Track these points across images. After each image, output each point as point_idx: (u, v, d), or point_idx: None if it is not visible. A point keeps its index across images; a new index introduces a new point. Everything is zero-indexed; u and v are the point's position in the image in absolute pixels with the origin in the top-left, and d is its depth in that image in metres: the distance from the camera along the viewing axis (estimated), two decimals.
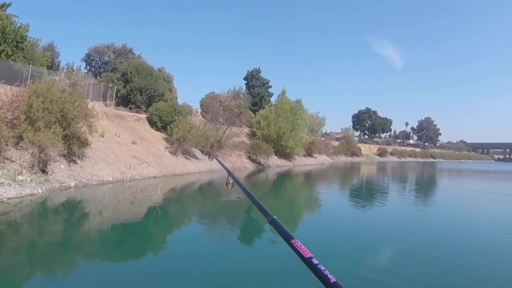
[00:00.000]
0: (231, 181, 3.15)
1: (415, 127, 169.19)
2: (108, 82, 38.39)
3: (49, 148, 16.50)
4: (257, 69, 73.03)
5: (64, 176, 17.91)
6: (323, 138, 79.82)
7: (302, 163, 54.79)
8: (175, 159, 29.82)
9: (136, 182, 21.90)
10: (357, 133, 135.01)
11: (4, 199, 13.39)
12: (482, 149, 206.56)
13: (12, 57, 27.18)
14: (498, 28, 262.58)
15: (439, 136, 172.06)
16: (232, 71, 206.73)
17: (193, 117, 40.64)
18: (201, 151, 34.28)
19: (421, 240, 11.70)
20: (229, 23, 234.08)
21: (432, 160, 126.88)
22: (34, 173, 16.24)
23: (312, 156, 61.69)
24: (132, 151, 25.86)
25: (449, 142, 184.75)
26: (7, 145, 16.30)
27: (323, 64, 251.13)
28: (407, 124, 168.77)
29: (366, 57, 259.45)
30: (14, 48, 27.50)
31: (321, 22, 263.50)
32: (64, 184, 17.25)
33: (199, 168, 31.62)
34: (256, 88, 70.39)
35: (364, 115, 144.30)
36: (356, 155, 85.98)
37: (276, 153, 48.89)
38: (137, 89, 38.19)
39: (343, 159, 77.63)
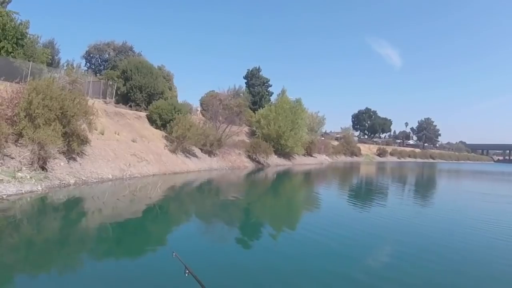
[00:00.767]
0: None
1: (414, 128, 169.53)
2: (108, 80, 38.34)
3: (49, 145, 16.48)
4: (257, 68, 73.05)
5: (63, 173, 17.90)
6: (323, 138, 79.89)
7: (301, 162, 54.80)
8: (174, 158, 29.80)
9: (136, 180, 21.90)
10: (356, 133, 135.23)
11: (4, 196, 13.37)
12: (481, 150, 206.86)
13: (12, 54, 27.19)
14: (495, 28, 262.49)
15: (439, 137, 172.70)
16: (232, 70, 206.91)
17: (193, 115, 40.71)
18: (201, 149, 34.27)
19: (414, 241, 11.70)
20: (230, 22, 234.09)
21: (431, 160, 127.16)
22: (34, 170, 16.23)
23: (311, 156, 61.75)
24: (131, 149, 25.84)
25: (448, 143, 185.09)
26: (6, 142, 16.29)
27: (323, 64, 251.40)
28: (406, 124, 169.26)
29: (366, 57, 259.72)
30: (14, 45, 27.50)
31: (321, 22, 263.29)
32: (63, 182, 17.24)
33: (198, 166, 31.62)
34: (256, 87, 70.39)
35: (364, 115, 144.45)
36: (356, 155, 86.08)
37: (276, 152, 48.90)
38: (137, 87, 38.14)
39: (342, 158, 77.71)
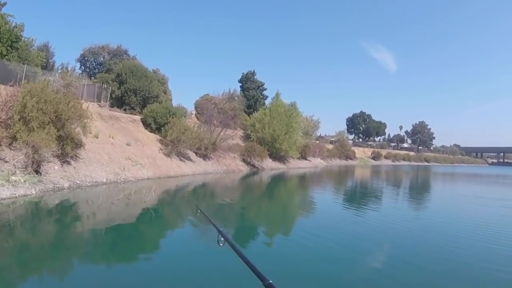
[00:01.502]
0: (222, 239, 2.88)
1: (409, 131, 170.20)
2: (102, 83, 38.30)
3: (43, 148, 16.44)
4: (252, 71, 73.07)
5: (57, 177, 17.85)
6: (318, 141, 79.99)
7: (296, 166, 54.87)
8: (169, 161, 29.76)
9: (130, 184, 21.86)
10: (351, 137, 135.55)
11: None
12: (476, 153, 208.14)
13: (6, 56, 27.10)
14: (490, 33, 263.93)
15: (433, 140, 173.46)
16: (227, 74, 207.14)
17: (187, 119, 40.69)
18: (196, 153, 34.26)
19: (407, 245, 11.74)
20: (225, 25, 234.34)
21: (426, 164, 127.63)
22: (28, 173, 16.18)
23: (306, 159, 61.86)
24: (126, 153, 25.80)
25: (443, 146, 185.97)
26: (0, 145, 16.30)
27: (319, 67, 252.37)
28: (401, 128, 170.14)
29: (361, 61, 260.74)
30: (8, 48, 27.42)
31: (316, 26, 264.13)
32: (57, 185, 17.19)
33: (193, 170, 31.59)
34: (251, 90, 70.40)
35: (358, 118, 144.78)
36: (350, 158, 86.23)
37: (271, 156, 48.87)
38: (131, 90, 38.11)
39: (337, 162, 77.84)
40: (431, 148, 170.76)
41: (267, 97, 71.93)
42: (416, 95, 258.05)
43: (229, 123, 42.78)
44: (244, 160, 42.81)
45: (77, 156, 20.64)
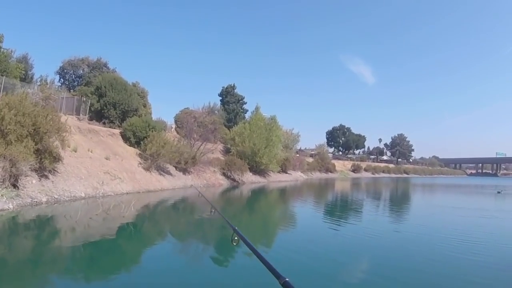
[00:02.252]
0: (236, 238, 2.86)
1: (388, 144, 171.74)
2: (81, 96, 38.01)
3: (21, 162, 16.24)
4: (232, 85, 73.36)
5: (35, 191, 17.62)
6: (298, 155, 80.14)
7: (276, 179, 54.90)
8: (148, 175, 29.57)
9: (109, 199, 21.66)
10: (331, 150, 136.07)
11: None
12: (454, 164, 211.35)
13: None
14: (465, 45, 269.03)
15: (412, 152, 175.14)
16: (207, 87, 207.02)
17: (167, 132, 40.57)
18: (175, 167, 34.11)
19: (383, 257, 11.79)
20: (205, 39, 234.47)
21: (405, 175, 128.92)
22: (5, 187, 15.94)
23: (286, 173, 61.96)
24: (105, 167, 25.58)
25: (422, 158, 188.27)
26: None
27: (298, 81, 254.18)
28: (380, 140, 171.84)
29: (339, 74, 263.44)
30: None
31: (294, 40, 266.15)
32: (35, 200, 16.98)
33: (173, 184, 31.44)
34: (231, 104, 70.60)
35: (338, 131, 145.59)
36: (331, 171, 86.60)
37: (251, 170, 48.86)
38: (111, 103, 37.85)
39: (317, 175, 78.09)
40: (410, 160, 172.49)
41: (247, 110, 72.31)
42: (394, 107, 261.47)
43: (209, 137, 42.68)
44: (224, 174, 42.74)
45: (55, 170, 20.41)
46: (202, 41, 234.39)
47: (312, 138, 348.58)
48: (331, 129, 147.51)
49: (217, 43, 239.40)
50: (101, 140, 30.64)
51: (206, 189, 34.17)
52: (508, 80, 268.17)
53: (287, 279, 1.59)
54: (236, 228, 2.97)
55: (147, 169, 30.18)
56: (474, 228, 18.66)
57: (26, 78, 34.86)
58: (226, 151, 51.69)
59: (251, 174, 48.80)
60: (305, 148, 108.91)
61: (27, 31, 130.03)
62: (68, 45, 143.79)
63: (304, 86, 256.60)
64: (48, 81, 41.44)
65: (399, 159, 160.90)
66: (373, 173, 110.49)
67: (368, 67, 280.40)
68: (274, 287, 1.99)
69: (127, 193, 24.45)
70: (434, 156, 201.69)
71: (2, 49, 29.25)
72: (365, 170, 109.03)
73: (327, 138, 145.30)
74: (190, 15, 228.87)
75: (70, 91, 42.19)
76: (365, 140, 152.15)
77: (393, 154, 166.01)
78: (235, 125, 58.48)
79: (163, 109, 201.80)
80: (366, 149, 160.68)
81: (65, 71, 50.08)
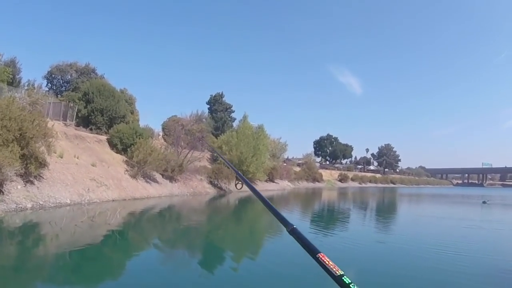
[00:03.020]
0: (239, 183, 3.01)
1: (375, 154, 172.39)
2: (69, 102, 37.78)
3: (6, 167, 16.10)
4: (220, 93, 73.51)
5: (20, 197, 17.47)
6: (285, 164, 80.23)
7: (263, 188, 54.82)
8: (135, 183, 29.43)
9: (95, 206, 21.51)
10: (318, 159, 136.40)
11: None
12: (441, 175, 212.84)
13: None
14: (455, 62, 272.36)
15: (399, 162, 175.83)
16: (195, 95, 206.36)
17: (154, 140, 40.40)
18: (162, 175, 33.99)
19: (366, 268, 11.81)
20: (194, 48, 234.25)
21: (392, 185, 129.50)
22: None
23: (273, 182, 61.98)
24: (91, 173, 25.42)
25: (408, 168, 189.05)
26: None
27: (286, 91, 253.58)
28: (367, 150, 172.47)
29: (328, 85, 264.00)
30: None
31: (284, 50, 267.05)
32: (20, 205, 16.84)
33: (159, 192, 31.31)
34: (219, 112, 70.70)
35: (325, 141, 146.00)
36: (318, 181, 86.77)
37: (238, 178, 48.59)
38: (98, 110, 37.69)
39: (304, 184, 78.18)
40: (397, 170, 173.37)
41: (235, 119, 72.48)
42: (381, 118, 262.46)
43: (197, 145, 42.61)
44: (211, 183, 42.68)
45: (40, 176, 20.24)
46: (191, 50, 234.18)
47: (299, 148, 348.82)
48: (318, 138, 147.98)
49: (206, 53, 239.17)
50: (87, 146, 30.46)
51: (192, 198, 34.11)
52: (495, 92, 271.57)
53: (294, 226, 1.61)
54: (239, 172, 3.01)
55: (134, 176, 30.04)
56: (458, 238, 18.75)
57: (13, 82, 34.56)
58: (213, 160, 51.60)
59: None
60: (293, 157, 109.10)
61: (15, 35, 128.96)
62: (56, 50, 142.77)
63: (292, 97, 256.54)
64: (36, 86, 41.11)
65: (386, 169, 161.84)
66: (360, 183, 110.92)
67: (356, 78, 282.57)
68: None
69: (113, 200, 24.32)
70: (420, 166, 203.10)
71: None
72: (352, 179, 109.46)
73: (314, 147, 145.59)
74: (179, 23, 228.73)
75: (57, 97, 41.85)
76: (352, 150, 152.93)
77: (380, 164, 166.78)
78: (223, 134, 58.53)
79: (150, 116, 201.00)
80: (353, 158, 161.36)
81: (53, 76, 49.70)
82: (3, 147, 16.55)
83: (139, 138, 33.65)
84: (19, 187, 18.04)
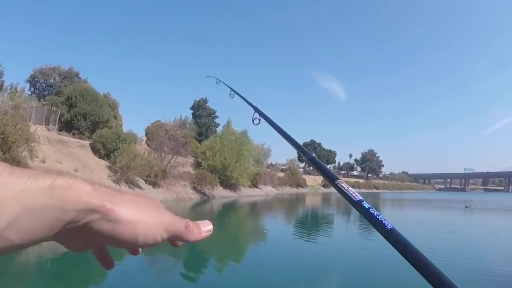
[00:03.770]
0: (257, 118, 2.92)
1: (358, 159, 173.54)
2: (52, 106, 37.48)
3: None
4: (204, 99, 73.34)
5: None
6: (269, 169, 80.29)
7: (247, 194, 54.81)
8: (118, 188, 29.17)
9: None
10: (302, 165, 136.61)
11: None
12: (424, 180, 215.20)
13: None
14: (433, 62, 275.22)
15: (382, 168, 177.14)
16: (179, 100, 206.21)
17: (137, 145, 40.21)
18: (145, 180, 33.83)
19: (350, 276, 11.86)
20: (177, 51, 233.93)
21: (375, 191, 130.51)
22: None
23: (257, 187, 61.98)
24: None
25: (391, 173, 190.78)
26: None
27: (269, 96, 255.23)
28: (350, 156, 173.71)
29: (311, 90, 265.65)
30: None
31: (267, 57, 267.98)
32: None
33: None
34: (202, 118, 70.54)
35: (309, 147, 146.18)
36: (301, 186, 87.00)
37: (221, 184, 48.79)
38: (81, 114, 37.46)
39: (288, 190, 78.21)
40: (380, 175, 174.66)
41: (218, 124, 72.32)
42: (365, 123, 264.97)
43: (180, 150, 42.52)
44: (194, 188, 42.53)
45: None
46: (174, 54, 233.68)
47: (283, 153, 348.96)
48: (302, 144, 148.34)
49: (190, 56, 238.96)
50: (70, 151, 30.22)
51: (176, 203, 33.95)
52: (476, 97, 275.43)
53: (313, 155, 1.63)
54: (258, 107, 2.94)
55: (117, 182, 29.86)
56: (439, 243, 18.86)
57: None
58: (197, 165, 51.52)
59: (221, 188, 48.70)
60: (276, 163, 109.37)
61: None
62: (39, 54, 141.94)
63: (275, 102, 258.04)
64: (19, 89, 40.74)
65: (369, 175, 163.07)
66: None
67: (340, 84, 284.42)
68: None
69: None
70: (403, 172, 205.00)
71: None
72: None
73: (298, 153, 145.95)
74: (163, 27, 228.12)
75: (40, 101, 41.50)
76: (336, 155, 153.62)
77: (363, 170, 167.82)
78: (206, 139, 58.42)
79: (134, 121, 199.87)
80: (336, 164, 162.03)
81: (36, 79, 49.26)
82: None
83: (122, 143, 33.50)
84: None
